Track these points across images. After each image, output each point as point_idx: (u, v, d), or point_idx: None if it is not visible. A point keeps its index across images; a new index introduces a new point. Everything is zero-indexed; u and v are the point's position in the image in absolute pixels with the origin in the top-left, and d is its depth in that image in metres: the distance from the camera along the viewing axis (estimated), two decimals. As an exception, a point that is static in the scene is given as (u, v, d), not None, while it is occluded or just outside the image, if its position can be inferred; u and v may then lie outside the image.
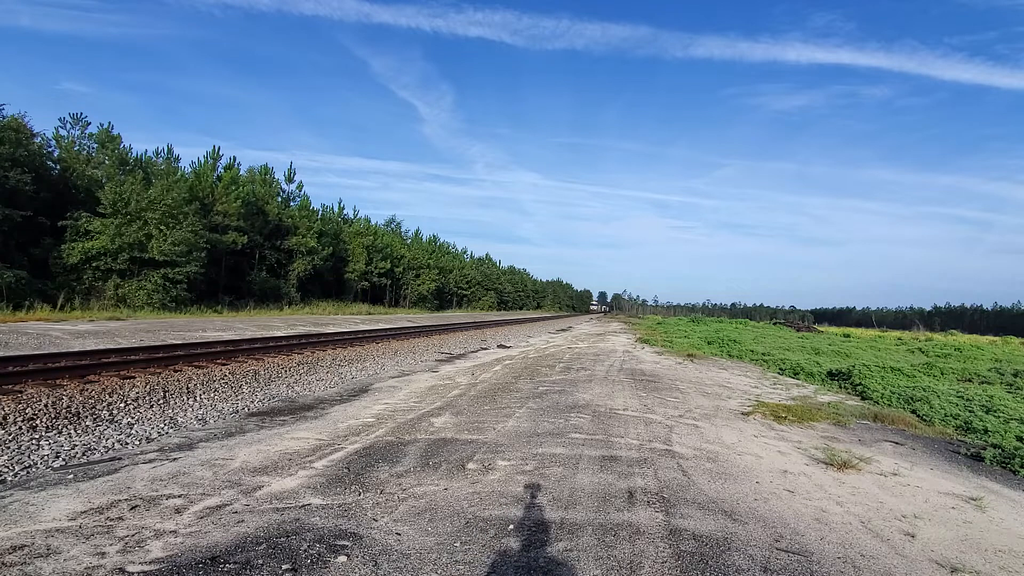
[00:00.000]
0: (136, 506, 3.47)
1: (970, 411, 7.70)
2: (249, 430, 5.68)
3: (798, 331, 33.86)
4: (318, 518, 3.36)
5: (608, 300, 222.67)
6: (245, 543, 2.97)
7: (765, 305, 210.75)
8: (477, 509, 3.60)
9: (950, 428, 7.24)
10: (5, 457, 4.50)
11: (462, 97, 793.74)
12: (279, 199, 36.84)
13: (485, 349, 16.84)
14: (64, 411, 5.87)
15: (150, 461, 4.48)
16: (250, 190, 33.16)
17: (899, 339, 29.06)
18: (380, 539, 3.09)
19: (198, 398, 7.20)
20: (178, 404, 6.82)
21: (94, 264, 22.40)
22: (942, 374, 12.42)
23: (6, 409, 5.61)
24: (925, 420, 7.61)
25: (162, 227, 23.23)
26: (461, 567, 2.80)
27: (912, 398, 8.71)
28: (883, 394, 9.23)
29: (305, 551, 2.90)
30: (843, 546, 3.32)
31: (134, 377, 7.63)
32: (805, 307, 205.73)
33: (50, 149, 25.06)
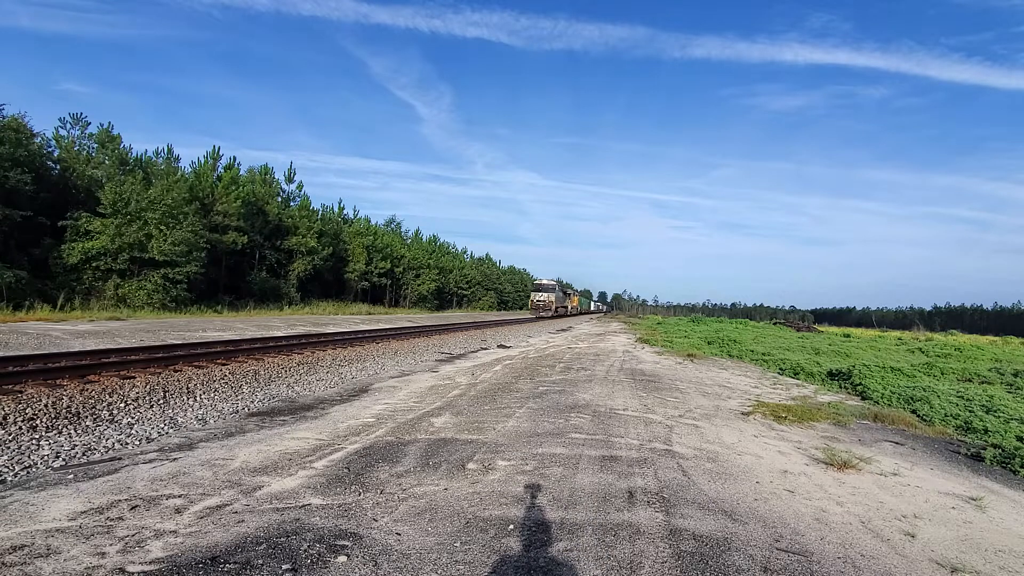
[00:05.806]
0: (136, 506, 3.47)
1: (970, 411, 7.70)
2: (249, 430, 5.68)
3: (798, 331, 33.82)
4: (318, 518, 3.35)
5: (608, 299, 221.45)
6: (245, 543, 2.97)
7: (765, 305, 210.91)
8: (477, 509, 3.60)
9: (950, 428, 7.24)
10: (5, 457, 4.50)
11: (460, 97, 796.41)
12: (279, 199, 36.89)
13: (485, 349, 16.84)
14: (64, 411, 5.87)
15: (150, 461, 4.48)
16: (250, 190, 33.18)
17: (899, 339, 29.01)
18: (380, 539, 3.09)
19: (198, 398, 7.20)
20: (178, 404, 6.82)
21: (94, 264, 22.41)
22: (942, 374, 12.40)
23: (6, 409, 5.61)
24: (925, 420, 7.61)
25: (162, 227, 23.24)
26: (461, 567, 2.80)
27: (912, 398, 8.71)
28: (883, 394, 9.22)
29: (305, 551, 2.90)
30: (843, 546, 3.32)
31: (134, 377, 7.63)
32: (805, 307, 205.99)
33: (50, 149, 25.11)
